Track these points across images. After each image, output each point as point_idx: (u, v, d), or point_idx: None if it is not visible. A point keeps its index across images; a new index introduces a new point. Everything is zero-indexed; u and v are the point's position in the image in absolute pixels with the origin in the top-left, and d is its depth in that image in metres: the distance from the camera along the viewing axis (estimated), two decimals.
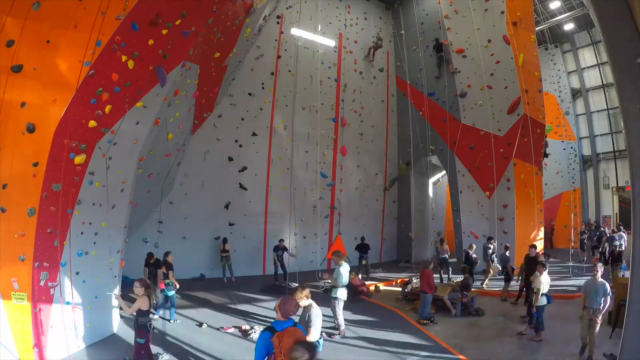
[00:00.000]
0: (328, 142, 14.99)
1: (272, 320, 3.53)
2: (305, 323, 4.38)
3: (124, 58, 5.82)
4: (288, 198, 13.64)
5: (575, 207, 19.73)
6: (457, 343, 6.75)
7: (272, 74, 13.80)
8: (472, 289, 9.10)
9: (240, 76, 13.00)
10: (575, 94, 21.49)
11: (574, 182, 20.23)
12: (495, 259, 11.34)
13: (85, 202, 6.00)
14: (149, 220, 11.04)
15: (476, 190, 13.67)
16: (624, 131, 3.65)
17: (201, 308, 8.73)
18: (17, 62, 5.27)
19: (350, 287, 8.12)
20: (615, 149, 19.69)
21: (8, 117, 5.26)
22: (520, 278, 9.52)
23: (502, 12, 13.05)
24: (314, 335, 4.26)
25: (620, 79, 3.57)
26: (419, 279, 9.40)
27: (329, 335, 7.06)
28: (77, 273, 5.90)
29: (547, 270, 7.04)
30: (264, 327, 3.53)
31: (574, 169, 20.41)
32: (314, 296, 4.80)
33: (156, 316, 7.50)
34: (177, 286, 7.86)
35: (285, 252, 11.61)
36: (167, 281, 7.70)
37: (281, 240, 11.73)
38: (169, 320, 7.65)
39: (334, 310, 7.23)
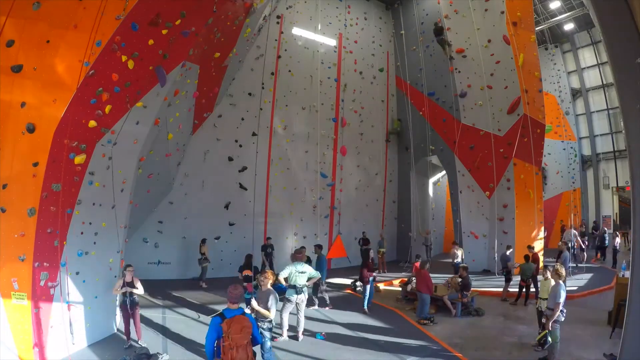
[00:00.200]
0: (328, 142, 14.99)
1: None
2: (265, 304, 5.25)
3: (124, 58, 5.82)
4: (288, 198, 13.65)
5: (575, 207, 19.76)
6: (457, 343, 6.75)
7: (272, 74, 13.80)
8: (472, 289, 9.10)
9: (240, 76, 13.00)
10: (575, 94, 21.50)
11: (574, 182, 20.24)
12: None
13: (85, 202, 6.00)
14: (149, 220, 11.05)
15: (476, 190, 13.66)
16: (624, 131, 3.65)
17: (200, 306, 8.71)
18: (17, 62, 5.27)
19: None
20: (615, 149, 19.70)
21: (8, 117, 5.26)
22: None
23: (502, 12, 13.05)
24: (272, 314, 5.21)
25: (620, 79, 3.57)
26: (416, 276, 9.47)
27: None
28: (77, 273, 5.90)
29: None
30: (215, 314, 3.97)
31: (574, 169, 20.41)
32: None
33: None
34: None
35: (273, 251, 11.65)
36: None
37: (269, 239, 11.68)
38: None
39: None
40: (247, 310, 4.94)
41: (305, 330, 7.12)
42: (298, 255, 7.39)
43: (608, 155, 20.17)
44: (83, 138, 5.78)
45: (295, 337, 6.90)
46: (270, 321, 5.36)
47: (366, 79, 16.43)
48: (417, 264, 10.06)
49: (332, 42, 15.65)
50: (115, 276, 6.73)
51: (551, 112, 18.75)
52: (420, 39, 15.72)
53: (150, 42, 6.17)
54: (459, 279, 8.95)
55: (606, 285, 10.82)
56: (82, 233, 5.99)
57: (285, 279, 6.95)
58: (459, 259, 11.65)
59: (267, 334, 5.33)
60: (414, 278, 9.94)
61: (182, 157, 11.57)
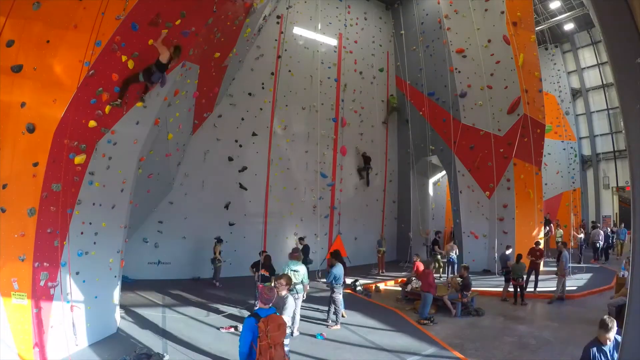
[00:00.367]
0: (328, 142, 14.99)
1: None
2: (280, 308, 5.08)
3: (124, 58, 5.82)
4: (288, 198, 13.65)
5: (575, 207, 19.76)
6: (457, 343, 6.76)
7: (272, 74, 13.80)
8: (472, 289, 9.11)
9: (240, 76, 13.00)
10: (575, 94, 21.51)
11: (574, 182, 20.24)
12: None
13: (85, 202, 6.00)
14: (149, 220, 11.05)
15: (476, 190, 13.67)
16: (624, 131, 3.65)
17: (200, 306, 8.72)
18: (17, 62, 5.27)
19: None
20: (615, 149, 19.71)
21: (8, 117, 5.26)
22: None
23: (502, 12, 13.05)
24: (285, 319, 4.87)
25: (620, 79, 3.56)
26: (417, 276, 9.49)
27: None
28: (77, 273, 5.90)
29: None
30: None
31: (574, 169, 20.42)
32: None
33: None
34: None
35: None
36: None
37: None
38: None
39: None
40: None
41: (304, 330, 7.14)
42: (295, 255, 7.73)
43: (608, 155, 20.18)
44: (83, 138, 5.78)
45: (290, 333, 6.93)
46: (290, 334, 5.28)
47: (366, 79, 16.43)
48: (417, 263, 10.09)
49: (333, 41, 15.65)
50: (115, 276, 6.73)
51: (551, 112, 18.75)
52: (420, 39, 15.73)
53: (150, 42, 6.17)
54: (459, 279, 8.95)
55: (606, 285, 10.83)
56: (82, 233, 5.99)
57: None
58: (453, 255, 12.01)
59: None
60: (414, 278, 9.96)
61: (182, 157, 11.57)
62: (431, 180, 17.80)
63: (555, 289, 9.79)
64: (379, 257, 13.84)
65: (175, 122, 9.52)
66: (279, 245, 13.48)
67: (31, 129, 5.28)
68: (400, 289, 10.58)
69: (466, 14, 13.75)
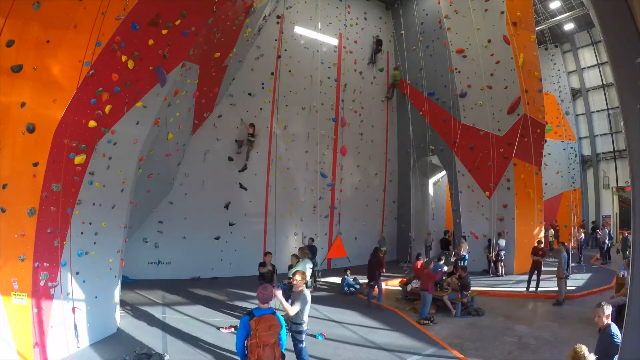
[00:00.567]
0: (328, 142, 14.99)
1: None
2: (303, 303, 5.07)
3: (124, 58, 5.83)
4: (288, 198, 13.65)
5: (575, 207, 19.78)
6: (457, 343, 6.76)
7: (272, 74, 13.80)
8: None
9: (240, 76, 13.00)
10: (575, 94, 21.52)
11: (574, 182, 20.25)
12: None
13: (85, 202, 6.00)
14: (149, 220, 11.05)
15: (476, 190, 13.67)
16: (624, 131, 3.65)
17: (200, 306, 8.73)
18: (17, 62, 5.27)
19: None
20: (615, 149, 19.72)
21: (8, 117, 5.26)
22: None
23: (502, 12, 13.05)
24: (293, 310, 4.95)
25: (620, 79, 3.56)
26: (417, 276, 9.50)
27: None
28: (77, 273, 5.90)
29: None
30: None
31: (574, 169, 20.43)
32: None
33: None
34: None
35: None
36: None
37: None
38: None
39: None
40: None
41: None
42: (305, 252, 7.81)
43: (608, 155, 20.19)
44: (83, 138, 5.78)
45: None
46: (300, 324, 5.10)
47: (366, 79, 16.44)
48: (418, 264, 10.08)
49: (333, 41, 15.64)
50: (115, 276, 6.73)
51: (551, 112, 18.77)
52: (420, 39, 15.72)
53: (150, 42, 6.18)
54: (457, 280, 8.96)
55: (606, 285, 10.83)
56: (82, 233, 5.99)
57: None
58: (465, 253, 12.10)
59: (298, 337, 5.11)
60: (414, 281, 9.95)
61: (182, 157, 11.57)
62: (431, 180, 17.80)
63: (557, 289, 9.75)
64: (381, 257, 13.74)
65: (175, 122, 9.52)
66: (278, 246, 13.46)
67: (31, 129, 5.28)
68: (400, 288, 10.58)
69: (466, 14, 13.74)
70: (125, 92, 6.11)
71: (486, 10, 13.39)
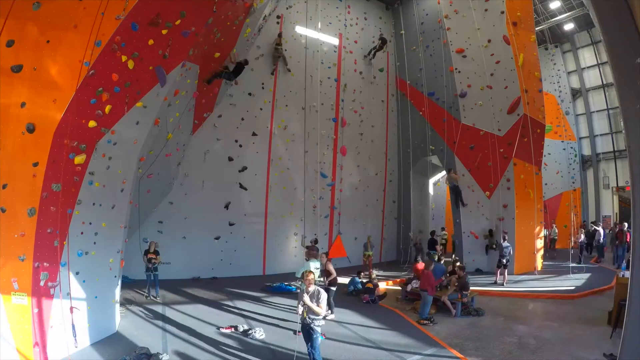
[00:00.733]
0: (328, 142, 14.99)
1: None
2: (316, 302, 5.11)
3: (124, 58, 5.83)
4: (288, 198, 13.65)
5: (575, 207, 19.76)
6: (457, 343, 6.75)
7: (272, 74, 13.81)
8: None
9: (240, 76, 12.98)
10: (575, 94, 21.50)
11: (574, 182, 20.24)
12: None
13: (85, 202, 6.00)
14: (149, 220, 11.04)
15: (476, 190, 13.67)
16: (624, 131, 3.65)
17: (200, 306, 8.73)
18: (17, 62, 5.27)
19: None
20: (615, 149, 19.70)
21: (8, 117, 5.26)
22: None
23: (502, 12, 13.05)
24: (322, 310, 5.08)
25: (620, 79, 3.56)
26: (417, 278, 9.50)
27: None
28: (77, 273, 5.90)
29: None
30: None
31: (574, 169, 20.42)
32: None
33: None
34: None
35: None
36: None
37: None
38: None
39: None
40: (300, 308, 5.14)
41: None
42: (313, 252, 7.80)
43: (608, 155, 20.17)
44: (83, 138, 5.78)
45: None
46: (323, 318, 5.34)
47: (366, 79, 16.44)
48: (418, 265, 10.10)
49: (334, 40, 15.63)
50: (115, 276, 6.73)
51: (551, 112, 18.76)
52: (420, 39, 15.72)
53: (150, 42, 6.18)
54: (456, 280, 8.95)
55: (606, 285, 10.83)
56: (82, 233, 5.99)
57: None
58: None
59: (318, 330, 5.29)
60: (414, 281, 9.95)
61: (182, 157, 11.57)
62: (431, 180, 17.80)
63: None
64: (364, 260, 13.45)
65: (175, 122, 9.52)
66: (278, 246, 13.50)
67: (31, 129, 5.28)
68: (400, 288, 10.58)
69: (466, 14, 13.75)
70: (125, 92, 6.12)
71: (486, 10, 13.39)
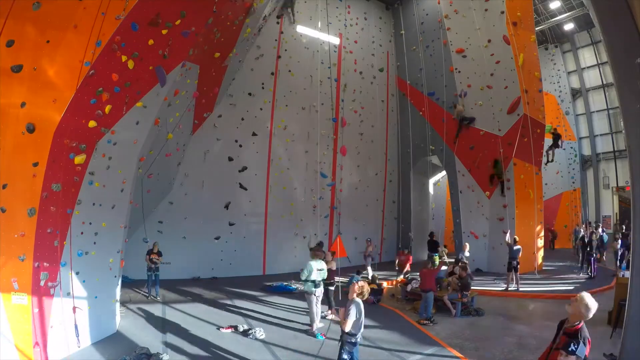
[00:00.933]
0: (328, 142, 14.99)
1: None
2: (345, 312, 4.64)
3: (124, 58, 5.82)
4: (288, 198, 13.66)
5: (575, 207, 19.77)
6: (457, 343, 6.75)
7: (272, 74, 13.81)
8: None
9: (240, 76, 13.00)
10: (575, 94, 21.51)
11: (574, 182, 20.26)
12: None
13: (85, 202, 6.00)
14: (149, 220, 11.03)
15: (476, 190, 13.67)
16: (624, 131, 3.65)
17: (200, 306, 8.73)
18: (17, 62, 5.27)
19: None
20: (615, 149, 19.71)
21: (8, 117, 5.26)
22: None
23: (502, 12, 13.05)
24: (347, 325, 4.53)
25: (620, 79, 3.57)
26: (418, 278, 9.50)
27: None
28: (77, 273, 5.90)
29: None
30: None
31: (574, 169, 20.44)
32: None
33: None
34: None
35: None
36: None
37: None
38: None
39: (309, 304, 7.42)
40: (330, 316, 4.95)
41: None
42: (318, 253, 7.73)
43: (608, 155, 20.18)
44: (83, 138, 5.78)
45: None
46: (355, 335, 4.61)
47: (366, 79, 16.44)
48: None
49: (334, 40, 15.63)
50: (115, 276, 6.73)
51: (551, 112, 18.76)
52: (420, 39, 15.72)
53: (150, 42, 6.17)
54: (457, 280, 8.95)
55: (606, 285, 10.83)
56: (82, 233, 5.99)
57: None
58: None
59: (348, 348, 4.68)
60: (414, 281, 9.94)
61: (182, 157, 11.57)
62: (431, 180, 17.80)
63: None
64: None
65: (175, 122, 9.52)
66: (278, 246, 13.49)
67: (31, 129, 5.28)
68: (400, 288, 10.58)
69: (466, 14, 13.76)
70: (125, 92, 6.11)
71: (486, 10, 13.39)
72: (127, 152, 6.62)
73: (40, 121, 5.33)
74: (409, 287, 9.88)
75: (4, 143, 5.22)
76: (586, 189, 21.04)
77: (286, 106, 14.06)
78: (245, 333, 7.02)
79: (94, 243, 6.19)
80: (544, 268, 13.43)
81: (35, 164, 5.28)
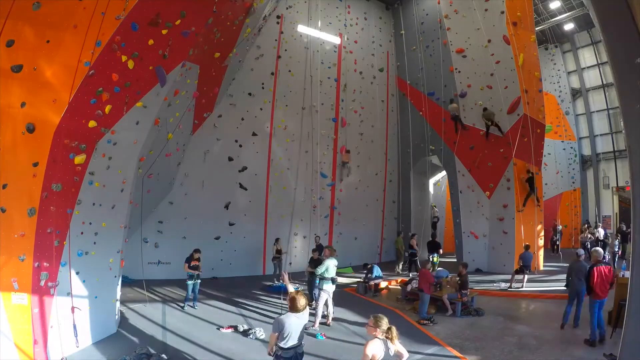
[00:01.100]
0: (328, 142, 15.00)
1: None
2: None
3: (124, 58, 5.82)
4: (288, 198, 13.66)
5: (575, 207, 19.76)
6: (457, 343, 6.75)
7: (272, 74, 13.82)
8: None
9: (240, 76, 13.01)
10: (575, 94, 21.49)
11: (574, 182, 20.25)
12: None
13: (85, 202, 6.00)
14: (149, 220, 11.05)
15: (476, 190, 13.67)
16: (624, 131, 3.65)
17: (201, 305, 8.72)
18: (17, 62, 5.27)
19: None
20: (615, 149, 19.69)
21: (8, 117, 5.26)
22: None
23: (502, 12, 13.05)
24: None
25: (620, 79, 3.56)
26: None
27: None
28: (77, 273, 5.90)
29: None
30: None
31: (574, 169, 20.42)
32: None
33: None
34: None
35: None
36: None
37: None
38: None
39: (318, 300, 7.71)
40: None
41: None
42: (334, 252, 8.15)
43: (608, 155, 20.15)
44: (83, 138, 5.78)
45: (325, 324, 7.62)
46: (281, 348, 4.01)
47: (366, 79, 16.44)
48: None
49: (335, 39, 15.64)
50: (115, 276, 6.73)
51: (551, 112, 18.76)
52: (420, 39, 15.72)
53: (150, 42, 6.18)
54: (458, 278, 8.96)
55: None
56: (82, 233, 5.99)
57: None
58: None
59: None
60: (414, 281, 9.95)
61: (182, 157, 11.58)
62: (431, 181, 17.80)
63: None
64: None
65: (175, 122, 9.52)
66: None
67: (31, 129, 5.28)
68: (400, 289, 10.59)
69: (466, 14, 13.75)
70: (125, 92, 6.11)
71: (486, 10, 13.39)
72: (127, 152, 6.62)
73: (40, 121, 5.33)
74: (409, 287, 9.88)
75: (4, 143, 5.22)
76: (586, 189, 21.03)
77: (286, 106, 14.06)
78: (245, 333, 7.02)
79: (94, 243, 6.19)
80: (544, 268, 13.42)
81: (35, 164, 5.28)
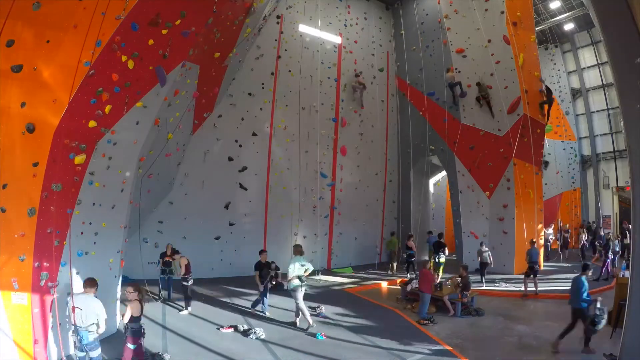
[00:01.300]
0: (328, 142, 14.99)
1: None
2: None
3: (124, 58, 5.82)
4: (288, 198, 13.66)
5: (575, 207, 19.77)
6: (457, 343, 6.76)
7: (272, 74, 13.81)
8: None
9: (240, 76, 13.00)
10: (575, 94, 21.50)
11: (574, 182, 20.25)
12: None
13: (85, 202, 6.00)
14: (149, 220, 11.04)
15: (476, 190, 13.67)
16: (624, 131, 3.65)
17: (201, 305, 8.72)
18: (17, 62, 5.26)
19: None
20: (615, 149, 19.69)
21: (8, 117, 5.25)
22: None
23: (502, 12, 13.05)
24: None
25: (620, 79, 3.57)
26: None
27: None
28: (77, 273, 5.90)
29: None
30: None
31: (574, 169, 20.43)
32: None
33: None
34: None
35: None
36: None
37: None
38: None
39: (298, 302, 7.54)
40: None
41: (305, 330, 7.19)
42: (298, 250, 8.16)
43: (608, 155, 20.16)
44: (83, 138, 5.78)
45: (293, 323, 7.59)
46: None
47: (366, 79, 16.42)
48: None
49: (335, 39, 15.62)
50: (115, 276, 6.73)
51: (551, 112, 18.74)
52: (420, 39, 15.72)
53: (150, 42, 6.18)
54: (459, 279, 8.96)
55: (606, 285, 10.83)
56: (82, 233, 5.99)
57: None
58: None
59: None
60: (414, 281, 9.95)
61: (182, 157, 11.57)
62: (431, 181, 17.80)
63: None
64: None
65: (175, 122, 9.52)
66: (278, 246, 13.48)
67: (31, 129, 5.28)
68: (400, 288, 10.58)
69: (466, 14, 13.75)
70: (125, 92, 6.12)
71: (486, 10, 13.39)
72: (127, 152, 6.62)
73: (40, 121, 5.33)
74: (409, 287, 9.88)
75: (4, 143, 5.22)
76: (586, 189, 21.04)
77: (286, 106, 14.06)
78: (245, 333, 7.02)
79: (94, 243, 6.20)
80: (545, 268, 13.43)
81: (35, 164, 5.28)
